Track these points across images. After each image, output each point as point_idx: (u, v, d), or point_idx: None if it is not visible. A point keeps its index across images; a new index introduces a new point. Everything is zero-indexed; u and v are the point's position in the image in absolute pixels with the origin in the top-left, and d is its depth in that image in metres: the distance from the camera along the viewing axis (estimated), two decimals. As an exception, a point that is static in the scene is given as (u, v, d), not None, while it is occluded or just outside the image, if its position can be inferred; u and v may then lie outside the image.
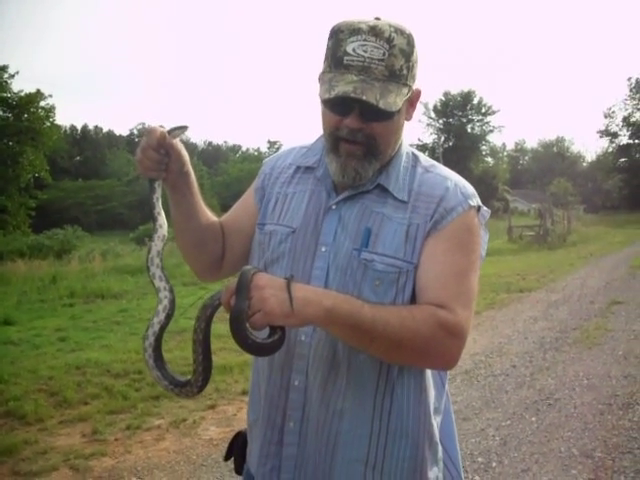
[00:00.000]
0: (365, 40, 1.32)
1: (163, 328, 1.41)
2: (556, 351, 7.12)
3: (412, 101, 1.44)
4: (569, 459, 4.13)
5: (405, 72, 1.35)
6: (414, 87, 1.41)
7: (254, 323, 1.22)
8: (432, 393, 1.51)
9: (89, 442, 4.59)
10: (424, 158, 1.55)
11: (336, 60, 1.35)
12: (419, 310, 1.34)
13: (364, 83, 1.31)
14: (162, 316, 1.41)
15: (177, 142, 1.45)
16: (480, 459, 4.18)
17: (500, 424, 4.80)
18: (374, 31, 1.32)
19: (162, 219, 1.47)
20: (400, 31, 1.34)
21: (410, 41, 1.36)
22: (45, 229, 29.86)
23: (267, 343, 1.25)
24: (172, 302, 1.42)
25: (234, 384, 5.84)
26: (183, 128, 1.47)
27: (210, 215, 1.60)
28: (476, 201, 1.46)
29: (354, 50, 1.32)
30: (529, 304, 10.48)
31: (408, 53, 1.35)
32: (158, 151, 1.40)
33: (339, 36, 1.35)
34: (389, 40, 1.32)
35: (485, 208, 1.50)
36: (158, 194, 1.47)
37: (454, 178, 1.49)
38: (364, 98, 1.30)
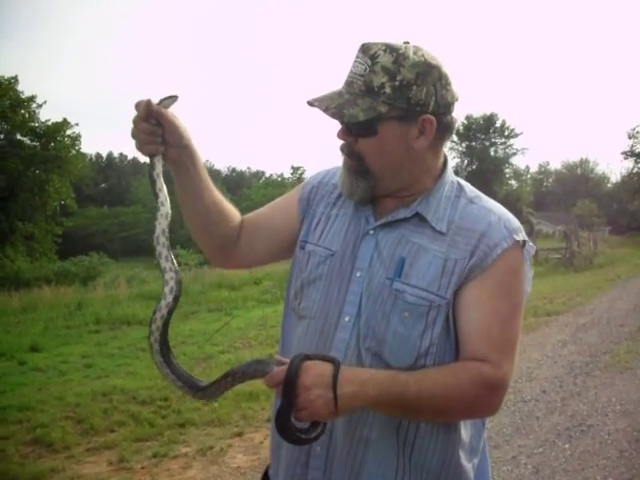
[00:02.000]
0: (357, 58, 1.37)
1: (171, 312, 1.37)
2: (587, 376, 6.99)
3: (423, 128, 1.37)
4: (605, 488, 4.03)
5: (388, 90, 1.32)
6: (424, 114, 1.35)
7: (299, 418, 1.24)
8: (468, 432, 1.46)
9: (116, 470, 4.57)
10: (470, 189, 1.51)
11: None
12: (463, 372, 1.33)
13: (336, 95, 1.37)
14: (170, 298, 1.36)
15: (169, 112, 1.43)
16: (513, 488, 4.09)
17: (532, 451, 4.71)
18: (363, 48, 1.36)
19: (163, 196, 1.42)
20: (391, 49, 1.34)
21: (399, 60, 1.33)
22: (71, 256, 30.15)
23: (311, 438, 1.28)
24: (179, 283, 1.38)
25: (261, 411, 5.79)
26: (173, 97, 1.44)
27: (219, 196, 1.58)
28: (522, 235, 1.42)
29: (352, 66, 1.38)
30: (557, 328, 10.33)
31: (393, 72, 1.32)
32: (148, 121, 1.39)
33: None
34: (373, 57, 1.34)
35: (531, 244, 1.45)
36: (158, 170, 1.43)
37: (498, 211, 1.45)
38: (315, 104, 1.36)
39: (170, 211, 1.42)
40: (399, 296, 1.37)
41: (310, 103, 1.38)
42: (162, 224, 1.40)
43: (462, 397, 1.32)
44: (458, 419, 1.42)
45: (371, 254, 1.43)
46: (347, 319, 1.41)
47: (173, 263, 1.38)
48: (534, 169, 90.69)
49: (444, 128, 1.41)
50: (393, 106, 1.34)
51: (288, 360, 1.27)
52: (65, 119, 35.02)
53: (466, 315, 1.37)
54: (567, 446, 4.80)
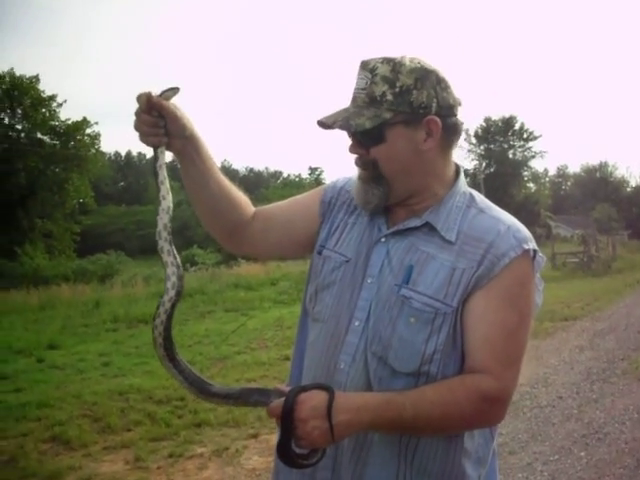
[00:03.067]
0: (358, 75, 1.43)
1: (174, 306, 1.36)
2: (604, 382, 6.94)
3: (430, 130, 1.41)
4: (621, 497, 4.00)
5: (390, 97, 1.38)
6: (428, 116, 1.40)
7: (299, 447, 1.28)
8: (474, 441, 1.46)
9: (132, 469, 4.60)
10: (481, 199, 1.52)
11: None
12: (460, 388, 1.34)
13: (343, 111, 1.42)
14: (172, 293, 1.36)
15: (170, 103, 1.45)
16: (528, 495, 4.08)
17: (548, 458, 4.68)
18: (362, 65, 1.43)
19: (165, 189, 1.42)
20: (387, 60, 1.41)
21: (396, 68, 1.39)
22: (89, 254, 30.41)
23: (312, 463, 1.31)
24: (181, 278, 1.37)
25: (276, 413, 5.81)
26: (174, 89, 1.46)
27: (227, 184, 1.59)
28: (532, 245, 1.42)
29: (354, 86, 1.45)
30: (574, 333, 10.26)
31: (392, 79, 1.39)
32: (150, 113, 1.41)
33: None
34: (372, 70, 1.40)
35: (541, 255, 1.45)
36: (161, 161, 1.44)
37: (508, 221, 1.45)
38: (323, 120, 1.42)
39: (172, 205, 1.42)
40: (406, 302, 1.40)
41: (320, 122, 1.43)
42: (164, 219, 1.40)
43: (460, 414, 1.34)
44: (459, 432, 1.43)
45: (382, 261, 1.46)
46: (357, 324, 1.44)
47: (175, 257, 1.38)
48: (552, 172, 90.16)
49: (450, 130, 1.45)
50: (397, 111, 1.39)
51: (287, 389, 1.31)
52: (85, 118, 35.46)
53: (471, 325, 1.38)
54: (583, 454, 4.76)
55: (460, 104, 1.47)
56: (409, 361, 1.38)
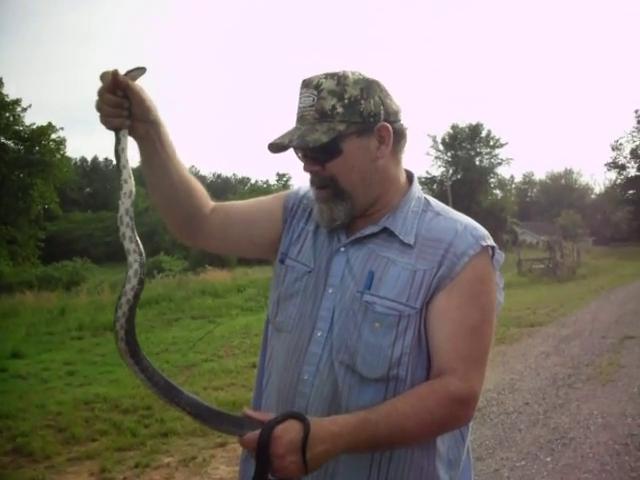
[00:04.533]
0: (301, 94, 1.43)
1: (137, 296, 1.29)
2: (569, 388, 7.02)
3: (382, 137, 1.43)
4: (586, 502, 4.04)
5: (340, 110, 1.39)
6: (378, 123, 1.42)
7: (275, 477, 1.24)
8: (445, 444, 1.47)
9: (97, 481, 4.52)
10: (436, 203, 1.54)
11: None
12: (431, 395, 1.34)
13: (293, 130, 1.42)
14: (134, 282, 1.28)
15: (136, 84, 1.38)
16: (495, 501, 4.10)
17: (515, 464, 4.71)
18: (305, 83, 1.43)
19: (127, 172, 1.35)
20: (331, 75, 1.41)
21: (341, 81, 1.40)
22: (54, 261, 30.00)
23: None
24: (143, 266, 1.31)
25: (244, 421, 5.77)
26: (141, 69, 1.39)
27: (186, 173, 1.55)
28: (489, 242, 1.45)
29: (298, 105, 1.44)
30: (540, 339, 10.38)
31: (339, 92, 1.39)
32: (115, 93, 1.34)
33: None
34: (317, 86, 1.40)
35: (499, 252, 1.48)
36: (124, 144, 1.37)
37: (465, 221, 1.48)
38: (277, 141, 1.41)
39: (134, 189, 1.35)
40: (369, 307, 1.40)
41: (272, 145, 1.43)
42: (125, 203, 1.33)
43: (433, 421, 1.34)
44: (434, 437, 1.43)
45: (342, 270, 1.47)
46: (319, 334, 1.44)
47: (138, 245, 1.32)
48: (519, 179, 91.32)
49: (398, 135, 1.47)
50: (349, 122, 1.40)
51: (258, 416, 1.28)
52: (50, 123, 34.93)
53: (434, 326, 1.39)
54: (549, 459, 4.81)
55: (401, 110, 1.49)
56: (377, 366, 1.38)
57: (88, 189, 76.54)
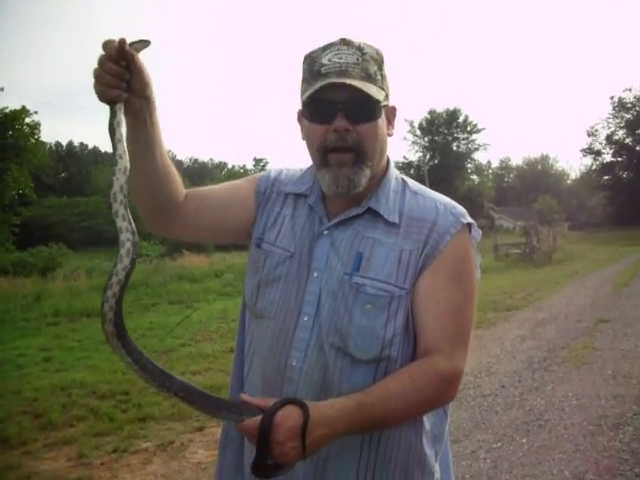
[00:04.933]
0: (338, 50, 1.38)
1: (128, 276, 1.24)
2: (545, 371, 7.10)
3: (389, 117, 1.47)
4: (561, 482, 4.10)
5: (379, 78, 1.40)
6: (389, 102, 1.45)
7: (275, 462, 1.24)
8: (430, 420, 1.50)
9: (75, 466, 4.51)
10: (412, 183, 1.56)
11: (314, 73, 1.39)
12: (421, 375, 1.36)
13: (346, 79, 1.35)
14: (127, 261, 1.23)
15: (139, 57, 1.32)
16: (471, 482, 4.14)
17: (491, 446, 4.76)
18: (345, 42, 1.39)
19: (122, 148, 1.30)
20: (368, 44, 1.41)
21: (379, 52, 1.42)
22: (29, 246, 29.60)
23: (287, 470, 1.29)
24: (135, 245, 1.25)
25: (222, 405, 5.77)
26: (145, 42, 1.33)
27: (167, 158, 1.49)
28: (468, 219, 1.47)
29: (330, 60, 1.37)
30: (516, 323, 10.47)
31: (379, 62, 1.42)
32: (118, 63, 1.27)
33: (313, 55, 1.42)
34: (360, 48, 1.39)
35: (476, 229, 1.50)
36: (119, 118, 1.30)
37: (443, 200, 1.51)
38: (347, 82, 1.33)
39: (129, 165, 1.30)
40: (360, 289, 1.40)
41: (325, 86, 1.35)
42: (120, 179, 1.27)
43: (424, 400, 1.37)
44: (420, 416, 1.46)
45: (327, 253, 1.46)
46: (306, 319, 1.43)
47: (130, 223, 1.25)
48: (495, 164, 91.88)
49: None
50: (385, 93, 1.42)
51: (255, 401, 1.27)
52: (24, 107, 34.26)
53: (420, 305, 1.41)
54: (525, 440, 4.87)
55: None
56: (370, 348, 1.39)
57: (63, 174, 75.72)
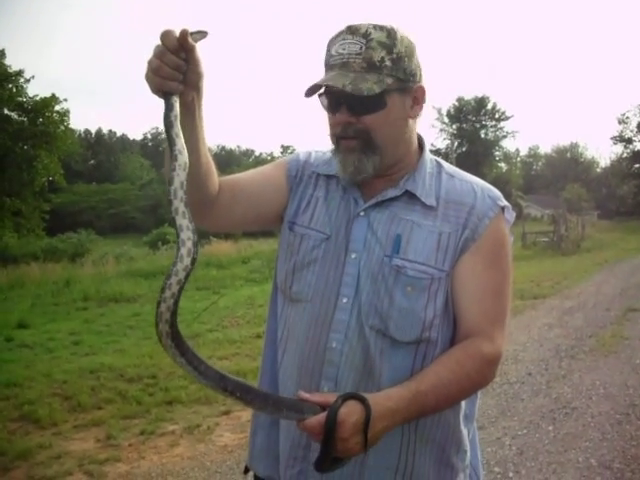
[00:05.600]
0: (344, 39, 1.37)
1: (188, 277, 1.18)
2: (572, 359, 7.05)
3: (417, 98, 1.44)
4: (587, 470, 4.08)
5: (388, 63, 1.37)
6: (416, 84, 1.42)
7: (338, 456, 1.26)
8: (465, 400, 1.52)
9: (103, 447, 4.58)
10: (447, 165, 1.56)
11: (325, 64, 1.41)
12: (468, 360, 1.38)
13: (339, 75, 1.35)
14: (187, 261, 1.17)
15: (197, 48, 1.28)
16: (497, 469, 4.14)
17: (516, 433, 4.75)
18: (351, 30, 1.37)
19: (181, 142, 1.24)
20: (379, 27, 1.37)
21: (391, 34, 1.37)
22: (59, 232, 30.05)
23: (346, 462, 1.29)
24: (196, 245, 1.20)
25: (248, 390, 5.81)
26: (203, 33, 1.29)
27: (209, 153, 1.46)
28: (504, 202, 1.49)
29: (336, 51, 1.38)
30: (544, 311, 10.40)
31: (389, 45, 1.37)
32: (178, 55, 1.23)
33: (329, 43, 1.42)
34: (365, 35, 1.36)
35: (510, 211, 1.51)
36: (176, 111, 1.25)
37: (479, 183, 1.52)
38: (330, 84, 1.34)
39: (188, 161, 1.23)
40: (400, 271, 1.40)
41: (316, 85, 1.38)
42: (180, 176, 1.21)
43: (472, 384, 1.41)
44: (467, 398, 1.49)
45: (365, 235, 1.45)
46: (345, 300, 1.43)
47: (191, 221, 1.20)
48: (524, 152, 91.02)
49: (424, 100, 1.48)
50: (395, 77, 1.38)
51: (315, 398, 1.26)
52: (54, 94, 34.62)
53: (461, 289, 1.42)
54: (551, 428, 4.85)
55: None
56: (411, 330, 1.40)
57: (92, 161, 76.48)
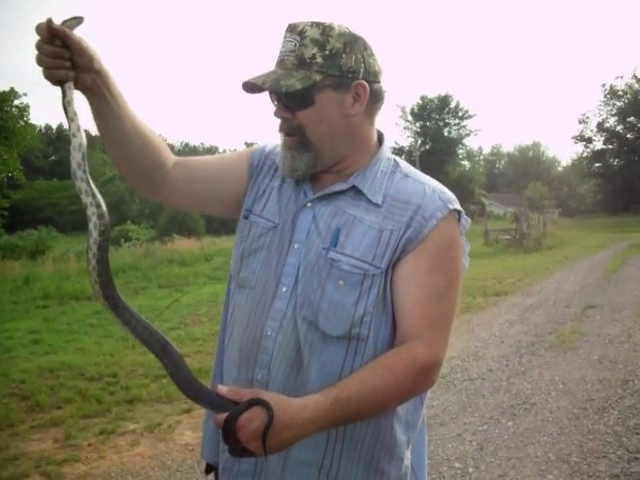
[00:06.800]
0: (285, 37, 1.40)
1: (102, 248, 1.27)
2: (532, 355, 7.14)
3: (357, 94, 1.41)
4: (545, 464, 4.13)
5: (320, 60, 1.37)
6: (356, 80, 1.40)
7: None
8: (404, 406, 1.48)
9: (61, 447, 4.51)
10: (404, 165, 1.54)
11: None
12: (398, 365, 1.34)
13: (270, 73, 1.39)
14: (95, 234, 1.25)
15: (74, 33, 1.29)
16: (457, 464, 4.17)
17: (477, 429, 4.80)
18: (290, 27, 1.40)
19: (75, 125, 1.29)
20: (317, 24, 1.38)
21: (326, 31, 1.38)
22: (18, 229, 29.48)
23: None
24: (102, 217, 1.27)
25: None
26: (78, 18, 1.31)
27: (142, 124, 1.49)
28: (456, 205, 1.45)
29: (279, 49, 1.42)
30: (505, 308, 10.51)
31: (322, 42, 1.37)
32: (53, 43, 1.26)
33: None
34: (301, 32, 1.38)
35: (465, 217, 1.48)
36: (69, 97, 1.29)
37: (432, 184, 1.48)
38: (252, 81, 1.38)
39: (84, 142, 1.30)
40: (334, 265, 1.40)
41: (246, 83, 1.40)
42: (76, 157, 1.28)
43: (402, 391, 1.36)
44: (398, 406, 1.45)
45: (309, 226, 1.46)
46: (284, 289, 1.44)
47: (94, 197, 1.27)
48: (487, 151, 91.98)
49: (375, 96, 1.45)
50: (326, 74, 1.37)
51: (230, 395, 1.27)
52: (12, 88, 34.06)
53: (402, 290, 1.39)
54: (510, 424, 4.90)
55: (383, 71, 1.47)
56: (339, 324, 1.38)
57: (53, 157, 75.11)
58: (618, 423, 4.83)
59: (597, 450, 4.33)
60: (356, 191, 1.46)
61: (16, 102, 34.42)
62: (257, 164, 1.61)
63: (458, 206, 1.45)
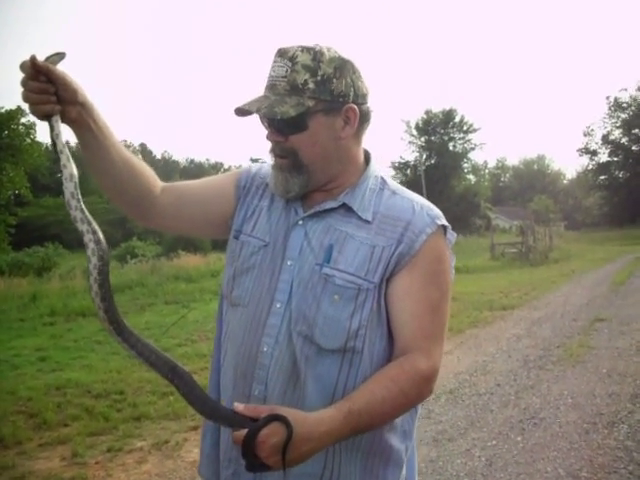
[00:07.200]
0: (275, 62, 1.43)
1: (103, 272, 1.31)
2: (540, 369, 7.10)
3: (348, 118, 1.45)
4: (556, 479, 4.10)
5: (311, 86, 1.40)
6: (346, 104, 1.43)
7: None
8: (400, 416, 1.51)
9: (69, 465, 4.50)
10: (391, 182, 1.59)
11: None
12: (403, 377, 1.39)
13: (263, 98, 1.42)
14: (94, 260, 1.30)
15: (57, 68, 1.34)
16: (466, 480, 4.14)
17: (485, 444, 4.77)
18: (280, 52, 1.43)
19: (65, 157, 1.35)
20: (307, 49, 1.41)
21: (317, 57, 1.41)
22: (25, 246, 29.56)
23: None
24: (99, 242, 1.31)
25: (217, 405, 5.76)
26: (60, 54, 1.35)
27: (127, 153, 1.52)
28: (443, 221, 1.50)
29: (269, 73, 1.44)
30: (512, 322, 10.48)
31: (314, 68, 1.40)
32: (37, 79, 1.30)
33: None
34: (292, 58, 1.40)
35: (451, 232, 1.54)
36: (57, 130, 1.35)
37: (420, 201, 1.54)
38: (247, 107, 1.41)
39: (75, 172, 1.35)
40: (329, 280, 1.43)
41: (239, 109, 1.43)
42: (69, 187, 1.34)
43: (407, 400, 1.41)
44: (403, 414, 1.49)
45: (301, 243, 1.49)
46: (278, 306, 1.47)
47: (90, 224, 1.32)
48: (492, 164, 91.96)
49: (364, 117, 1.49)
50: (319, 99, 1.41)
51: (247, 412, 1.28)
52: (19, 107, 34.17)
53: (398, 305, 1.44)
54: (519, 439, 4.87)
55: (369, 92, 1.51)
56: (335, 338, 1.42)
57: (59, 174, 75.60)
58: (628, 437, 4.79)
59: (608, 465, 4.29)
60: (346, 208, 1.50)
61: (23, 120, 34.63)
62: (244, 185, 1.64)
63: (445, 222, 1.51)
